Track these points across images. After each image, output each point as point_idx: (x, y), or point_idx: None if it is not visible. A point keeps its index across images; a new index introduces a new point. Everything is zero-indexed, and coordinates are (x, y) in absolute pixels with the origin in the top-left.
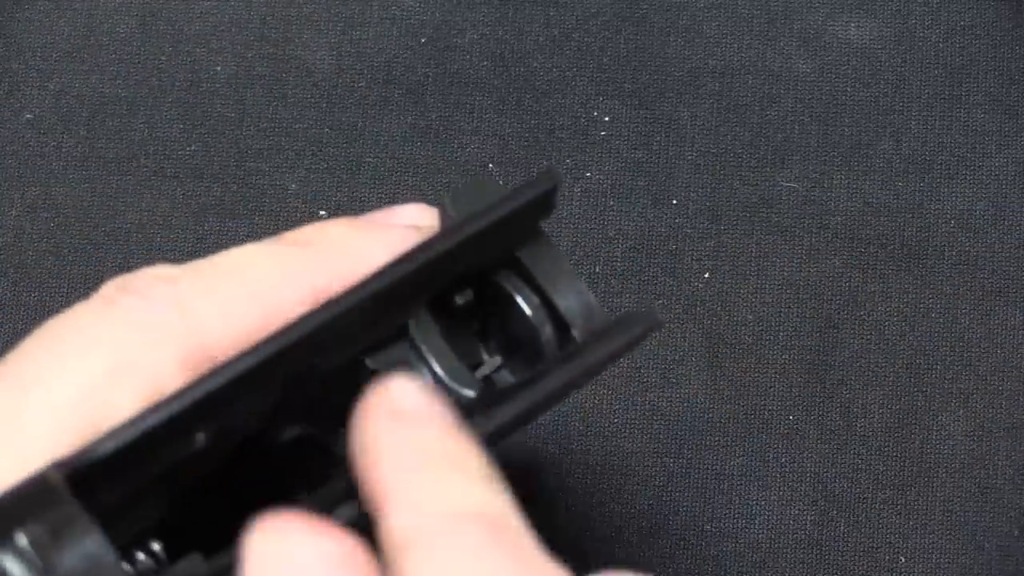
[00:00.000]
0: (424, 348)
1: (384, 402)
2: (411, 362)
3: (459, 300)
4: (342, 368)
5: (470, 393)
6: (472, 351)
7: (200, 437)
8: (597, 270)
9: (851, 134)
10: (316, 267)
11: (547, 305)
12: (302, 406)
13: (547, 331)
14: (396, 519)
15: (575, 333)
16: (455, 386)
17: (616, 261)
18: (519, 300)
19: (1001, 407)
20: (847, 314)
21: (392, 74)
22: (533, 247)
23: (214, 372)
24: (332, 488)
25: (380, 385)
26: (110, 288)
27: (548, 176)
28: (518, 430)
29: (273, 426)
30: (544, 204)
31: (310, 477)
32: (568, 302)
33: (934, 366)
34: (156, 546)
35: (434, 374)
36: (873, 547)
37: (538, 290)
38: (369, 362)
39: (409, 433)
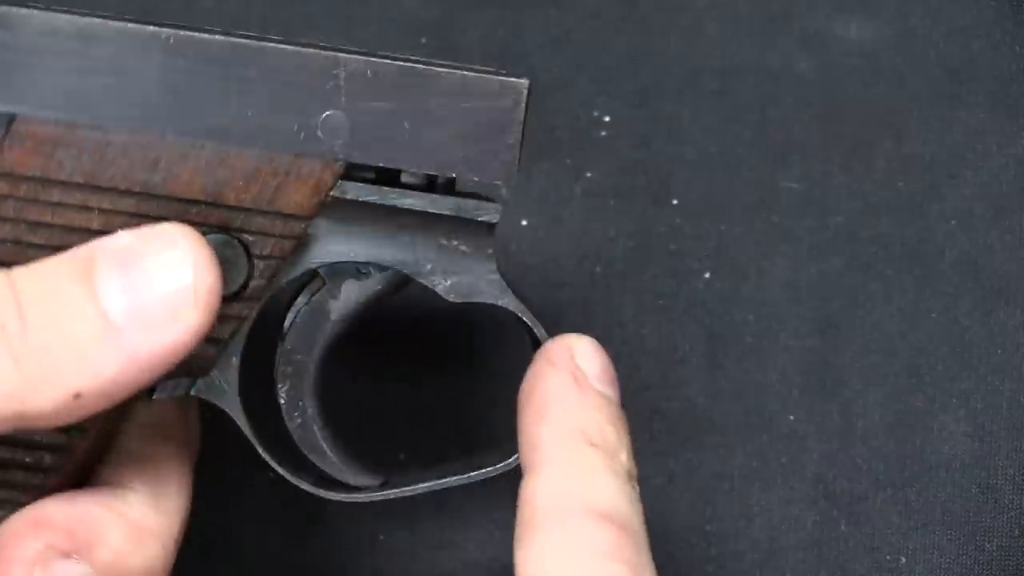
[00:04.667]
0: None
1: (567, 358)
2: None
3: None
4: None
5: None
6: None
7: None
8: (597, 270)
9: (851, 134)
10: None
11: None
12: None
13: None
14: (541, 488)
15: None
16: None
17: (616, 261)
18: None
19: (1001, 407)
20: (847, 314)
21: None
22: None
23: None
24: None
25: (568, 340)
26: None
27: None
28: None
29: None
30: None
31: None
32: None
33: (935, 366)
34: None
35: None
36: (874, 547)
37: None
38: None
39: (579, 405)
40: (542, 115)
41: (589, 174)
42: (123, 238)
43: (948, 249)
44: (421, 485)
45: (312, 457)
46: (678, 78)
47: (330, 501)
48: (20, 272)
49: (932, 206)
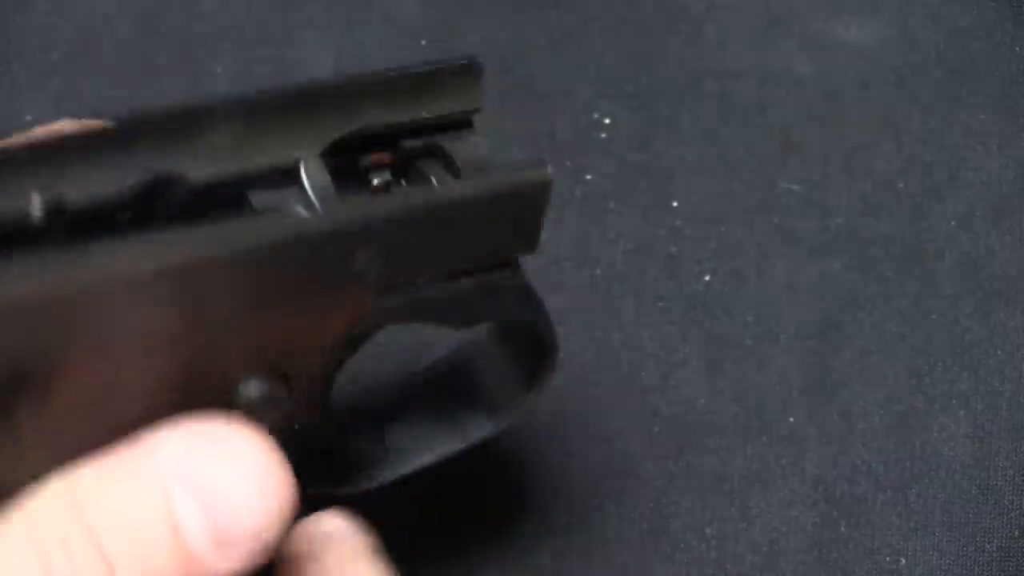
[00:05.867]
0: (310, 189)
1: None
2: (295, 206)
3: (376, 180)
4: (222, 197)
5: None
6: None
7: (36, 201)
8: (597, 272)
9: (852, 135)
10: None
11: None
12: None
13: None
14: None
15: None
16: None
17: (616, 263)
18: (435, 183)
19: (1001, 408)
20: (848, 315)
21: None
22: (459, 138)
23: (49, 132)
24: None
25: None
26: None
27: (464, 58)
28: (396, 266)
29: None
30: (463, 87)
31: None
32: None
33: (935, 367)
34: None
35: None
36: (874, 548)
37: (456, 174)
38: (252, 198)
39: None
40: (542, 117)
41: (589, 176)
42: (191, 459)
43: (948, 250)
44: (423, 459)
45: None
46: (678, 80)
47: None
48: (93, 511)
49: (932, 207)
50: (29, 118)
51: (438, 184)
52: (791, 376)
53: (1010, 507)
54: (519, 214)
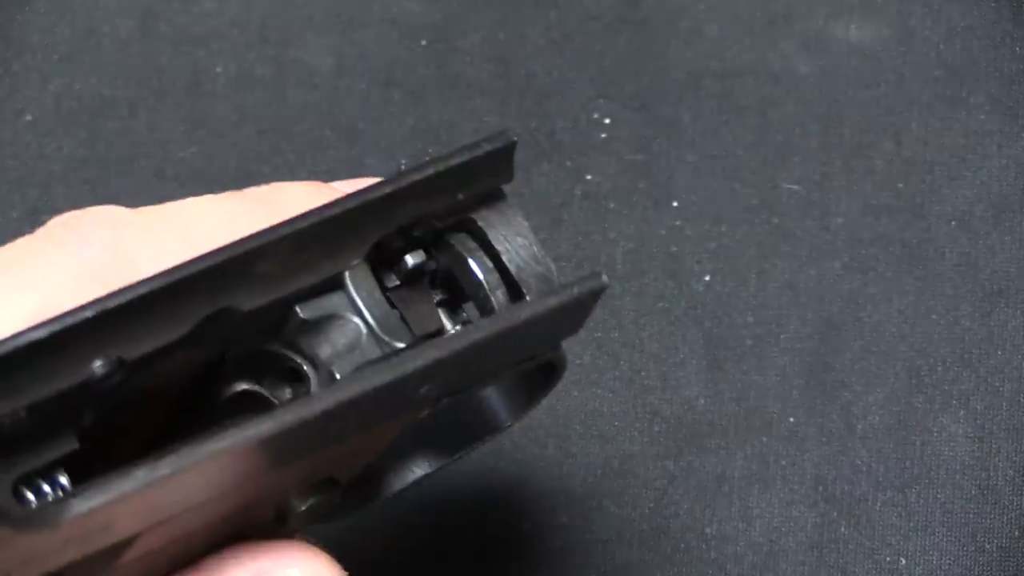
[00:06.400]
0: (357, 297)
1: None
2: (343, 313)
3: (410, 261)
4: (271, 314)
5: (401, 345)
6: (429, 317)
7: (98, 365)
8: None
9: (852, 135)
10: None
11: (501, 269)
12: (241, 362)
13: (499, 296)
14: None
15: (528, 298)
16: (386, 336)
17: (616, 263)
18: (471, 263)
19: (1001, 408)
20: (848, 316)
21: (393, 76)
22: (492, 211)
23: (109, 295)
24: None
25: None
26: (55, 224)
27: (500, 135)
28: (458, 385)
29: (215, 380)
30: (498, 164)
31: None
32: (521, 266)
33: (935, 367)
34: (63, 479)
35: (366, 323)
36: (874, 549)
37: (492, 253)
38: (300, 310)
39: None
40: (542, 117)
41: (589, 176)
42: None
43: (948, 250)
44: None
45: None
46: (678, 80)
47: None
48: None
49: (932, 207)
50: (29, 118)
51: (486, 281)
52: (791, 376)
53: (1010, 507)
54: (573, 317)
